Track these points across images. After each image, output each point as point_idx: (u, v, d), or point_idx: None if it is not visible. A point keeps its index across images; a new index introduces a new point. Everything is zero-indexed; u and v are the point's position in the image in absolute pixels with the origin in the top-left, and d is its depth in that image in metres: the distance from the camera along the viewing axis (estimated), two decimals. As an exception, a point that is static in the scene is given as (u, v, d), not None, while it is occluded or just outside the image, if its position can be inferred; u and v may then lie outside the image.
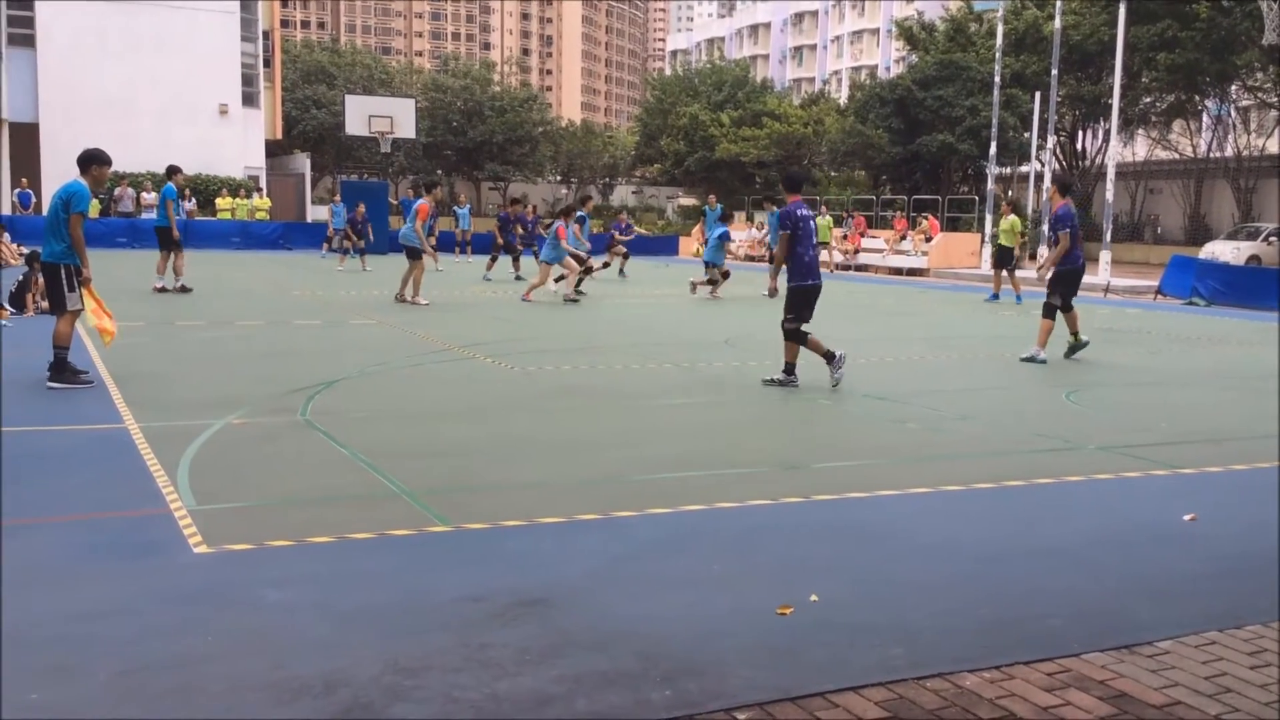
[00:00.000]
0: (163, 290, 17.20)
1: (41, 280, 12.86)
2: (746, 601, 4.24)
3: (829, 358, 9.49)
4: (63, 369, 8.68)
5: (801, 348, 9.55)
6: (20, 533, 4.85)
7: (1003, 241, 20.95)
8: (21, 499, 5.39)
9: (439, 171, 59.98)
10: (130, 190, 34.98)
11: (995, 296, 21.00)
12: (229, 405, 8.02)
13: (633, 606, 4.19)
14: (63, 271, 8.75)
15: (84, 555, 4.64)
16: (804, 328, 9.52)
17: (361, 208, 26.95)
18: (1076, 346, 12.03)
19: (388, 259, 28.08)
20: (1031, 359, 11.64)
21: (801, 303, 9.53)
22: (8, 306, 13.30)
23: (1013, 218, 21.03)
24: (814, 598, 4.27)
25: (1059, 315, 11.85)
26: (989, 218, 32.23)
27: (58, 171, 33.01)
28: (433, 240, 16.99)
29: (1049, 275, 11.99)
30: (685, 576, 4.54)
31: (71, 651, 3.63)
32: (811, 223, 9.52)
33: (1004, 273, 20.89)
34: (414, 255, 16.62)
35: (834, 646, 3.83)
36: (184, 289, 17.37)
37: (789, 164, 50.69)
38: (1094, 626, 4.08)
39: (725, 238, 20.12)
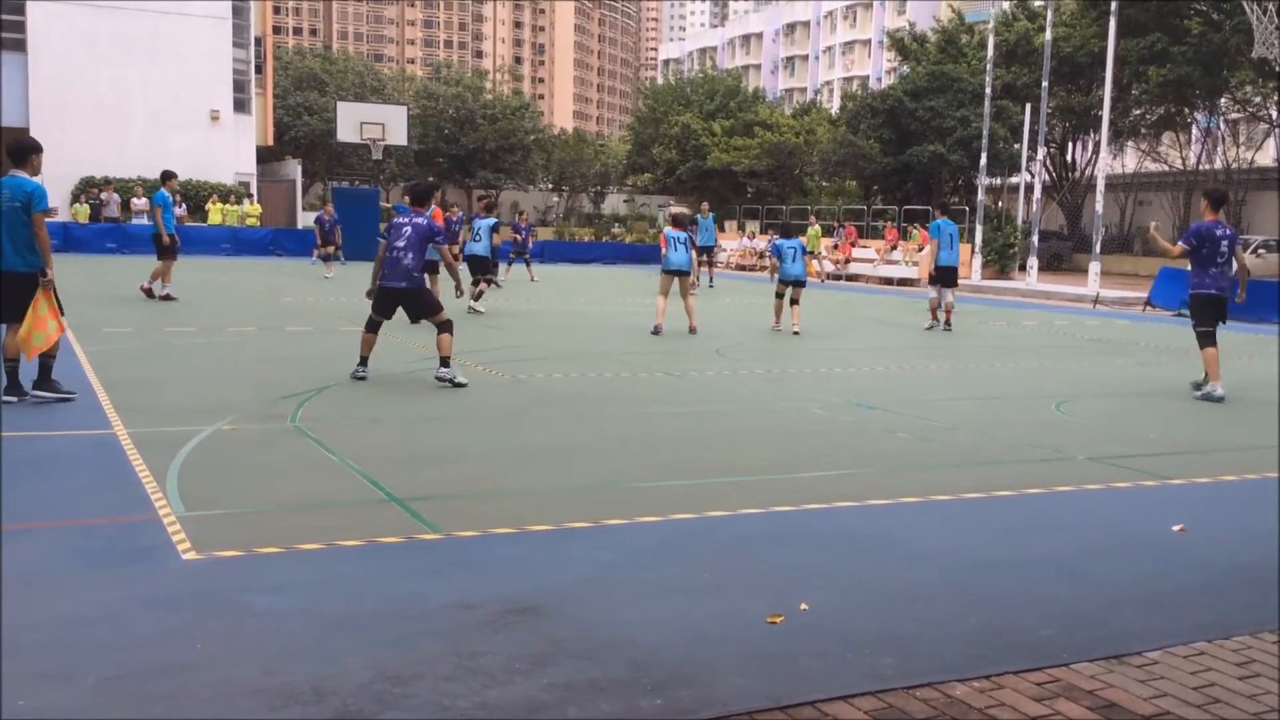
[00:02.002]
0: (150, 294, 16.86)
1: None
2: (737, 610, 4.25)
3: (364, 362, 9.87)
4: (47, 378, 8.30)
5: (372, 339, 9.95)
6: (9, 538, 4.83)
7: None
8: (10, 504, 5.36)
9: (430, 178, 59.97)
10: (117, 196, 34.89)
11: None
12: (219, 411, 7.99)
13: (623, 614, 4.18)
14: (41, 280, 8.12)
15: (72, 561, 4.62)
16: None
17: (329, 207, 25.99)
18: (1199, 385, 10.69)
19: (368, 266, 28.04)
20: (1207, 396, 10.36)
21: (380, 300, 9.91)
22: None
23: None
24: (804, 606, 4.27)
25: (1215, 346, 10.64)
26: (979, 228, 32.32)
27: (49, 176, 32.90)
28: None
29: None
30: (676, 584, 4.54)
31: (60, 657, 3.61)
32: (405, 229, 9.78)
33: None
34: (432, 270, 15.87)
35: (824, 655, 3.84)
36: (167, 297, 16.89)
37: (781, 173, 50.89)
38: (1083, 636, 4.09)
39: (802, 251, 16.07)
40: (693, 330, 14.88)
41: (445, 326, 9.70)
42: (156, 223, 16.93)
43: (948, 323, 16.88)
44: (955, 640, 4.03)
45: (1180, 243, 10.67)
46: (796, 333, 15.28)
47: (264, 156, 45.02)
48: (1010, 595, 4.57)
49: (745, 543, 5.19)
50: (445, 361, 9.60)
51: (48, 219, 8.29)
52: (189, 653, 3.67)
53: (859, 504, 5.98)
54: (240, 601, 4.18)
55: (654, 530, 5.35)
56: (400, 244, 9.69)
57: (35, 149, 8.45)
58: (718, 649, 3.85)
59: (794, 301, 15.55)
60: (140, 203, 35.25)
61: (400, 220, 9.87)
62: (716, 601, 4.35)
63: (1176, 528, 5.62)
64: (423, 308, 9.98)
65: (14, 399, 8.14)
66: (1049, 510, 6.05)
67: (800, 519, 5.66)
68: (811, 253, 32.15)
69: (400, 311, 10.16)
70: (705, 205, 26.86)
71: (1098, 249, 28.11)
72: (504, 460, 6.86)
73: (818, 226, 32.68)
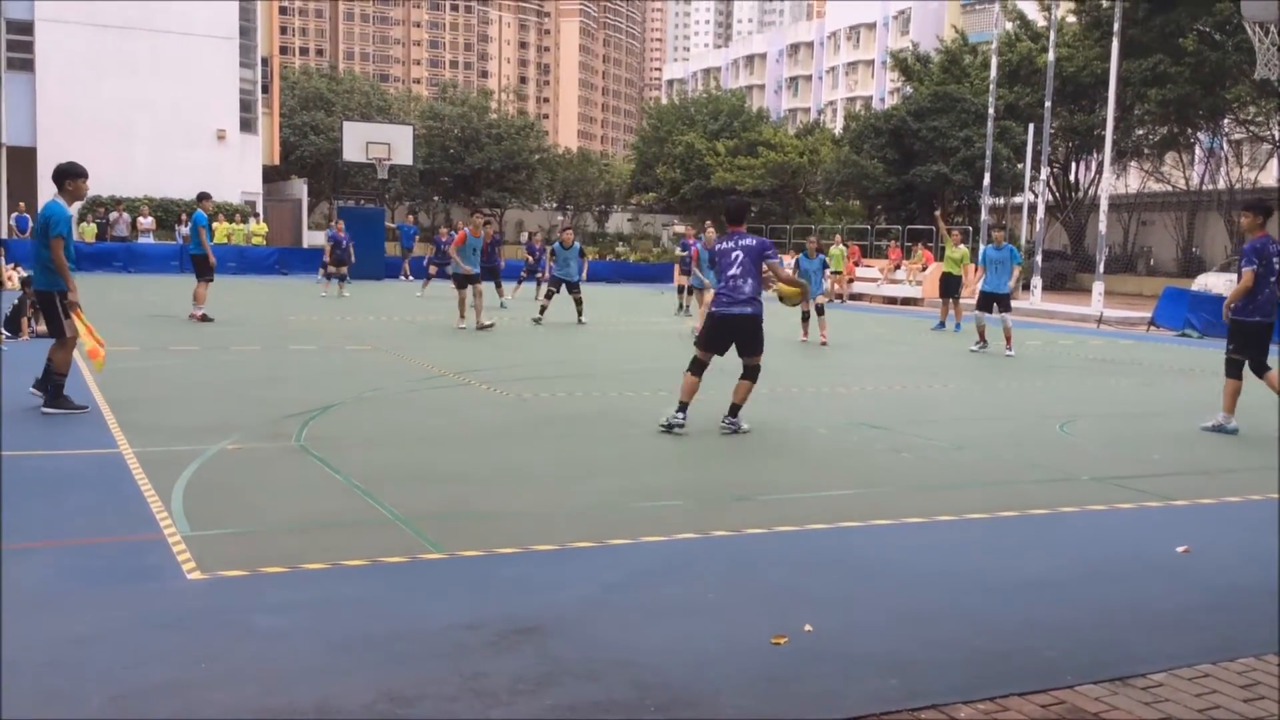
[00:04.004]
0: (205, 319, 16.85)
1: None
2: (741, 631, 4.24)
3: (683, 408, 8.79)
4: (59, 396, 8.63)
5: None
6: (14, 557, 4.84)
7: (948, 270, 21.27)
8: (16, 523, 5.38)
9: (435, 198, 60.16)
10: (126, 215, 35.01)
11: (941, 325, 21.23)
12: (224, 430, 8.01)
13: (627, 635, 4.18)
14: (59, 298, 8.70)
15: (77, 580, 4.63)
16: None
17: (340, 224, 25.80)
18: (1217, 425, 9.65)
19: (382, 284, 28.09)
20: (1219, 429, 9.52)
21: (715, 331, 8.93)
22: (3, 330, 13.30)
23: (963, 248, 21.30)
24: (808, 628, 4.27)
25: (1240, 379, 9.63)
26: (983, 248, 32.32)
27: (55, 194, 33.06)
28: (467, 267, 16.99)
29: (1229, 318, 9.62)
30: (679, 605, 4.54)
31: (64, 677, 3.61)
32: (735, 253, 8.77)
33: (949, 301, 21.18)
34: (463, 283, 17.18)
35: (828, 677, 3.83)
36: (204, 318, 16.94)
37: (785, 193, 51.01)
38: (1087, 658, 4.08)
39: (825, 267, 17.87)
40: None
41: (754, 372, 8.84)
42: (203, 244, 16.97)
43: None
44: (959, 662, 4.02)
45: (1246, 267, 9.43)
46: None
47: (270, 176, 45.21)
48: (1014, 616, 4.56)
49: (749, 563, 5.19)
50: (735, 410, 8.78)
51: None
52: (193, 672, 3.68)
53: (863, 524, 5.98)
54: (244, 621, 4.18)
55: (657, 550, 5.35)
56: (734, 271, 8.74)
57: (68, 174, 8.81)
58: (721, 670, 3.85)
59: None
60: (146, 222, 35.37)
61: (726, 245, 8.93)
62: (720, 622, 4.35)
63: (1181, 549, 5.61)
64: (754, 341, 8.84)
65: (56, 410, 8.54)
66: (1053, 531, 6.04)
67: (804, 539, 5.66)
68: (837, 272, 32.03)
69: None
70: (708, 224, 26.88)
71: (1101, 269, 28.11)
72: (508, 480, 6.87)
73: (841, 247, 32.47)
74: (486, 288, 21.47)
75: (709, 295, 16.14)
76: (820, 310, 16.87)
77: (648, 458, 7.81)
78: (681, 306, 23.21)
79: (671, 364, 13.63)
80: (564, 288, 19.37)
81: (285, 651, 3.90)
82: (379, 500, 6.12)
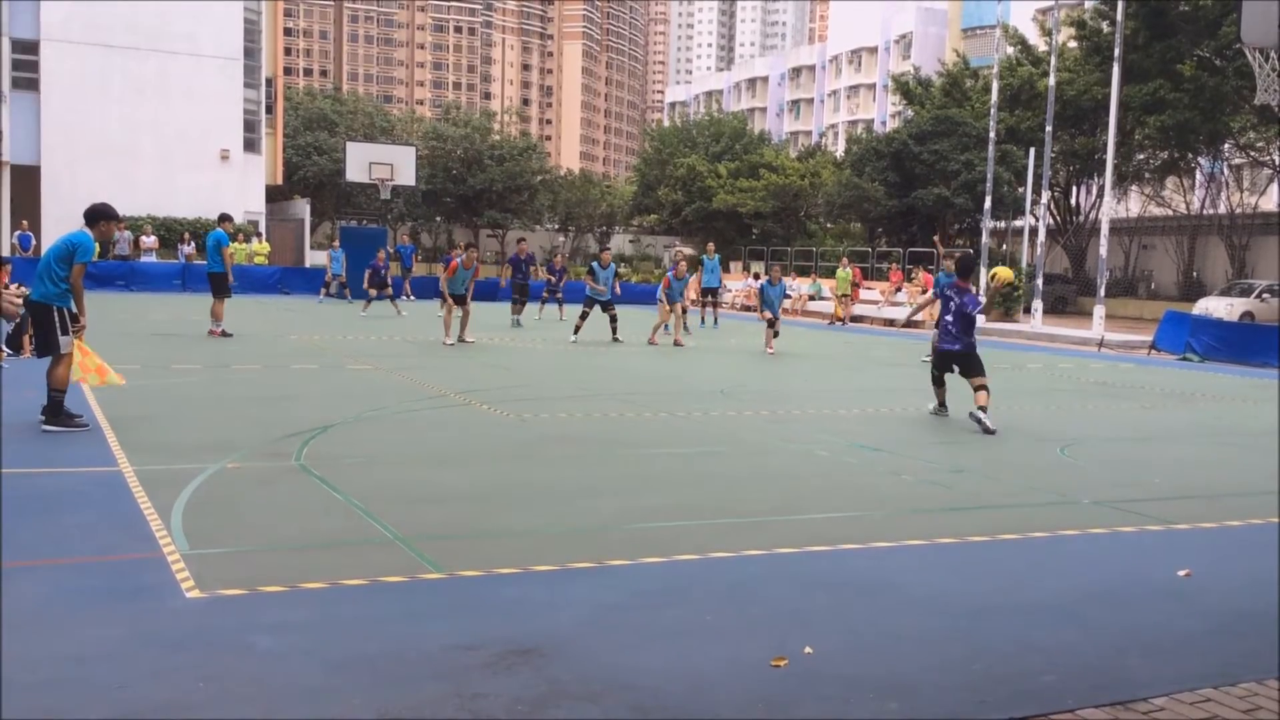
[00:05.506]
0: (224, 334, 17.40)
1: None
2: (740, 653, 4.23)
3: (942, 405, 11.61)
4: (58, 412, 8.65)
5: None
6: (13, 575, 4.83)
7: None
8: (15, 541, 5.37)
9: (438, 219, 60.25)
10: (128, 233, 35.10)
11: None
12: (224, 449, 8.01)
13: (626, 656, 4.17)
14: (55, 314, 8.72)
15: (76, 598, 4.62)
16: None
17: (382, 254, 26.85)
18: None
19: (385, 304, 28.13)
20: None
21: (939, 361, 11.48)
22: (5, 348, 13.31)
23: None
24: (808, 650, 4.26)
25: None
26: (984, 271, 32.36)
27: (58, 214, 33.16)
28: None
29: None
30: (679, 627, 4.53)
31: (63, 695, 3.60)
32: (952, 302, 11.11)
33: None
34: (459, 301, 18.29)
35: (828, 700, 3.82)
36: (224, 334, 17.48)
37: (786, 215, 51.10)
38: (1089, 682, 4.07)
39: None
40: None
41: (981, 388, 10.75)
42: (225, 263, 17.52)
43: None
44: (960, 685, 4.01)
45: None
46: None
47: (273, 195, 45.35)
48: (1015, 640, 4.55)
49: (748, 585, 5.18)
50: (983, 409, 10.60)
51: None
52: (191, 692, 3.67)
53: (863, 547, 5.97)
54: (243, 641, 4.17)
55: (657, 572, 5.34)
56: (949, 317, 11.18)
57: (104, 216, 9.17)
58: (721, 692, 3.83)
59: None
60: (149, 240, 35.47)
61: (949, 293, 11.24)
62: (719, 644, 4.34)
63: (1182, 573, 5.60)
64: (969, 366, 10.98)
65: (57, 428, 8.57)
66: (1054, 555, 6.03)
67: (804, 561, 5.65)
68: (844, 295, 31.99)
69: None
70: (711, 246, 26.94)
71: (1102, 292, 28.16)
72: (507, 500, 6.86)
73: (849, 269, 32.41)
74: (496, 308, 22.12)
75: (675, 311, 19.98)
76: (772, 326, 19.26)
77: (647, 479, 7.81)
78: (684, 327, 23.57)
79: (671, 386, 13.63)
80: (598, 307, 20.33)
81: (284, 671, 3.89)
82: (378, 520, 6.11)
